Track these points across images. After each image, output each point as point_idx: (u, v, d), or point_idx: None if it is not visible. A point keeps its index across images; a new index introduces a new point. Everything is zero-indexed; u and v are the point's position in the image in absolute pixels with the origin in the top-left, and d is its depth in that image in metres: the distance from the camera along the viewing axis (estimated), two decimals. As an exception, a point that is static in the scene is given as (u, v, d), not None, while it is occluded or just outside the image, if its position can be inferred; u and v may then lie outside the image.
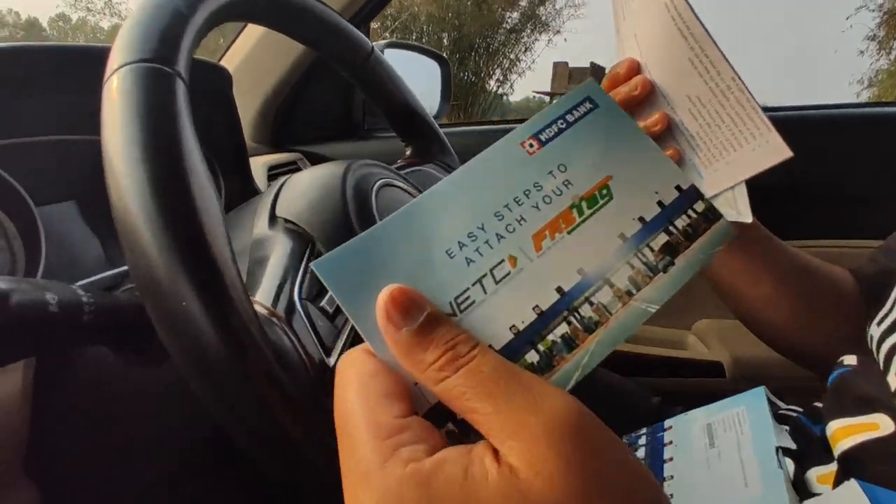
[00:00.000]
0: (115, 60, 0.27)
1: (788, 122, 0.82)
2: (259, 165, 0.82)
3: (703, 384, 0.81)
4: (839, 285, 0.51)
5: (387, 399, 0.17)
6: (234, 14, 0.37)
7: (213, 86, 0.61)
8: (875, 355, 0.40)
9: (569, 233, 0.21)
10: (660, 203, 0.23)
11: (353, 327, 0.33)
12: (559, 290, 0.20)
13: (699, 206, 0.23)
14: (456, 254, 0.20)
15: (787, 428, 0.46)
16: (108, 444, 0.44)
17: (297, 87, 0.89)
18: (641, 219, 0.22)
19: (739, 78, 0.40)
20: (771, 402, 0.54)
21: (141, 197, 0.23)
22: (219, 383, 0.24)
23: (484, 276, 0.20)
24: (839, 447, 0.37)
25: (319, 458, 0.25)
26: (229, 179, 0.68)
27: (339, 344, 0.32)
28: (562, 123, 0.23)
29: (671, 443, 0.53)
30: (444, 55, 1.16)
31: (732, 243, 0.50)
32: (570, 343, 0.20)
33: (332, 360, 0.30)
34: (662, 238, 0.22)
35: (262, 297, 0.32)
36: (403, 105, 0.59)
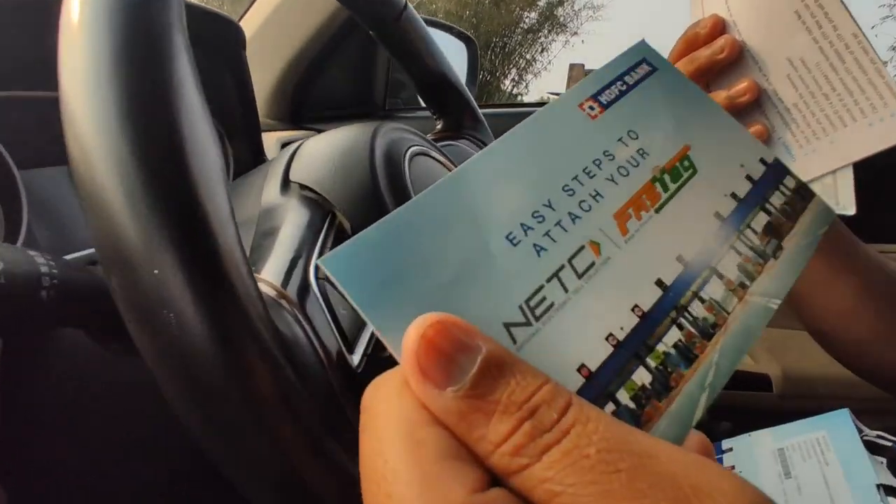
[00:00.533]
0: None
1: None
2: (272, 140, 0.76)
3: (748, 398, 0.74)
4: None
5: (451, 463, 0.11)
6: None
7: (222, 41, 0.54)
8: None
9: (656, 211, 0.17)
10: (748, 178, 0.19)
11: None
12: (660, 283, 0.16)
13: (790, 183, 0.20)
14: (520, 240, 0.15)
15: (884, 460, 0.39)
16: (87, 444, 0.37)
17: (317, 62, 0.83)
18: (734, 195, 0.18)
19: (863, 33, 0.33)
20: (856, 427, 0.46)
21: (105, 127, 0.17)
22: (202, 388, 0.17)
23: (562, 268, 0.15)
24: None
25: (333, 491, 0.19)
26: (237, 146, 0.62)
27: (365, 337, 0.25)
28: (621, 85, 0.19)
29: (733, 467, 0.46)
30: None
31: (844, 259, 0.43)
32: (686, 354, 0.15)
33: (355, 359, 0.23)
34: (762, 218, 0.18)
35: (270, 275, 0.25)
36: (436, 72, 0.52)
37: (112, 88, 0.17)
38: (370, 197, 0.31)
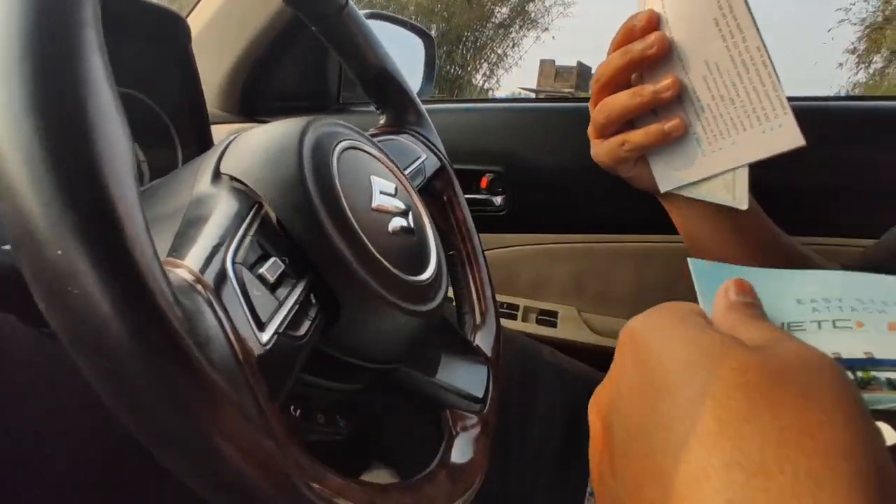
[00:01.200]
0: None
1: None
2: (223, 132, 0.76)
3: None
4: None
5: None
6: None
7: (167, 35, 0.55)
8: None
9: None
10: None
11: (295, 302, 0.28)
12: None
13: None
14: (806, 303, 0.22)
15: None
16: (18, 428, 0.38)
17: (269, 54, 0.83)
18: None
19: (765, 48, 0.36)
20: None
21: (8, 108, 0.18)
22: (108, 360, 0.19)
23: (825, 320, 0.22)
24: None
25: (239, 453, 0.21)
26: (187, 141, 0.62)
27: (278, 318, 0.27)
28: None
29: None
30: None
31: (734, 230, 0.46)
32: (892, 384, 0.21)
33: (265, 336, 0.25)
34: None
35: (192, 262, 0.26)
36: (378, 68, 0.54)
37: (20, 82, 0.18)
38: (296, 188, 0.33)
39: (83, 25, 0.20)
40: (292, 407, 0.34)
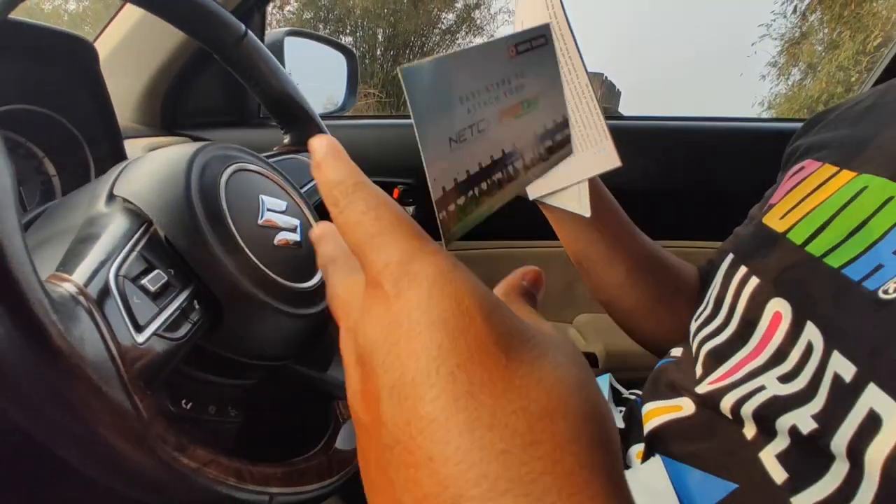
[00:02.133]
0: None
1: (675, 132, 0.89)
2: (140, 148, 0.79)
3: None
4: (684, 280, 0.56)
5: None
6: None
7: (74, 58, 0.58)
8: (690, 347, 0.44)
9: (515, 118, 0.33)
10: (555, 122, 0.39)
11: (176, 308, 0.33)
12: (503, 151, 0.32)
13: (564, 133, 0.40)
14: (465, 102, 0.28)
15: (622, 410, 0.50)
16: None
17: (188, 69, 0.86)
18: (544, 126, 0.37)
19: (589, 82, 0.43)
20: (615, 389, 0.58)
21: None
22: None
23: (473, 124, 0.28)
24: (648, 426, 0.41)
25: (112, 432, 0.25)
26: (100, 158, 0.65)
27: (157, 322, 0.31)
28: (530, 45, 0.35)
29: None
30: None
31: (594, 226, 0.53)
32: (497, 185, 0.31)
33: (141, 337, 0.30)
34: (548, 143, 0.38)
35: (78, 276, 0.31)
36: (280, 92, 0.58)
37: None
38: (182, 208, 0.37)
39: None
40: (184, 400, 0.39)
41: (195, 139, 0.89)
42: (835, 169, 0.38)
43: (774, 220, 0.40)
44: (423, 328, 0.16)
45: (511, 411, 0.15)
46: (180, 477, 0.28)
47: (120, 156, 0.67)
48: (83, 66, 0.59)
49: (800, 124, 0.54)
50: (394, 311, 0.17)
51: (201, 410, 0.39)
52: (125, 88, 0.83)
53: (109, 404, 0.25)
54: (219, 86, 0.93)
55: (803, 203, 0.39)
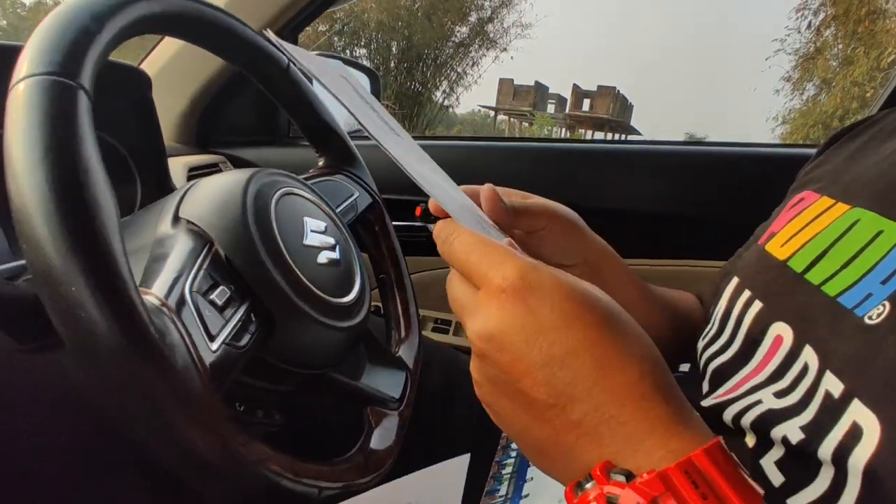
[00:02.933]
0: (22, 69, 0.30)
1: (686, 156, 0.93)
2: (180, 166, 0.84)
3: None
4: (688, 318, 0.58)
5: None
6: (144, 28, 0.40)
7: (130, 88, 0.63)
8: (698, 363, 0.48)
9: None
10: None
11: (238, 320, 0.37)
12: None
13: None
14: None
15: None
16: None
17: (224, 91, 0.91)
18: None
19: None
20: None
21: (39, 192, 0.27)
22: (105, 364, 0.27)
23: None
24: None
25: (194, 428, 0.29)
26: (146, 178, 0.70)
27: (224, 333, 0.35)
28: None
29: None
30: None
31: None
32: None
33: (214, 346, 0.34)
34: None
35: (157, 290, 0.35)
36: (316, 119, 0.63)
37: (42, 176, 0.27)
38: (240, 231, 0.41)
39: (79, 130, 0.29)
40: (237, 403, 0.43)
41: (228, 157, 0.94)
42: (831, 202, 0.42)
43: (776, 248, 0.44)
44: (558, 321, 0.25)
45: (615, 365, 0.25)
46: (246, 469, 0.32)
47: (164, 175, 0.73)
48: (137, 94, 0.64)
49: (804, 150, 0.57)
50: (522, 309, 0.26)
51: (251, 413, 0.43)
52: (166, 109, 0.88)
53: (193, 407, 0.29)
54: (250, 106, 0.99)
55: (802, 232, 0.42)
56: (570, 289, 0.26)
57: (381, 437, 0.49)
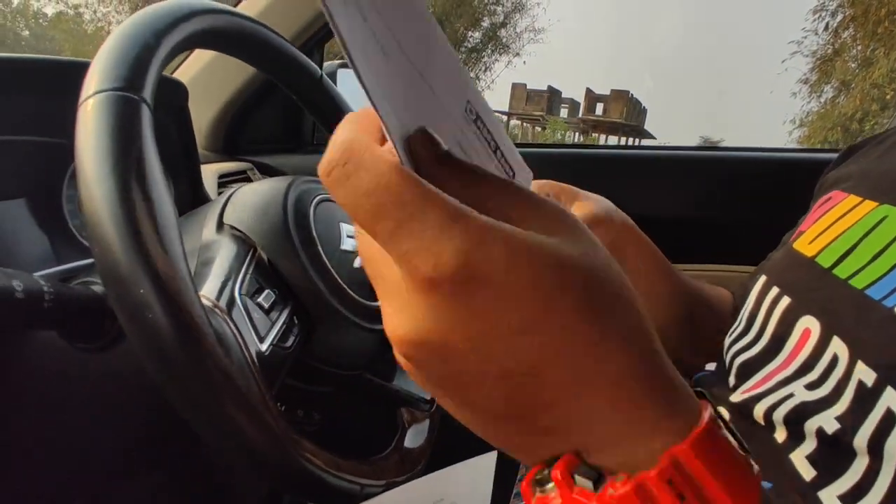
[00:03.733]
0: (90, 86, 0.32)
1: (705, 161, 0.94)
2: (210, 173, 0.86)
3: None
4: (718, 303, 0.60)
5: None
6: (194, 44, 0.42)
7: (169, 99, 0.65)
8: (724, 359, 0.48)
9: None
10: None
11: (283, 322, 0.39)
12: None
13: None
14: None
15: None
16: (53, 430, 0.47)
17: (251, 101, 0.94)
18: None
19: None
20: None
21: (109, 203, 0.29)
22: (169, 360, 0.29)
23: None
24: None
25: (249, 423, 0.31)
26: (180, 185, 0.72)
27: (272, 333, 0.37)
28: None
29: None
30: None
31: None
32: None
33: (264, 346, 0.36)
34: None
35: (208, 292, 0.37)
36: (348, 127, 0.65)
37: (110, 187, 0.29)
38: (282, 236, 0.43)
39: (144, 142, 0.31)
40: (279, 404, 0.44)
41: (256, 164, 0.96)
42: (858, 199, 0.42)
43: (804, 245, 0.45)
44: (518, 322, 0.18)
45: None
46: (295, 462, 0.34)
47: (198, 188, 0.75)
48: (175, 107, 0.66)
49: (827, 155, 0.58)
50: (466, 309, 0.18)
51: (292, 413, 0.45)
52: (197, 117, 0.91)
53: (249, 402, 0.31)
54: (276, 114, 1.01)
55: (830, 229, 0.43)
56: (538, 265, 0.18)
57: (415, 436, 0.50)
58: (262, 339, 0.36)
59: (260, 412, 0.31)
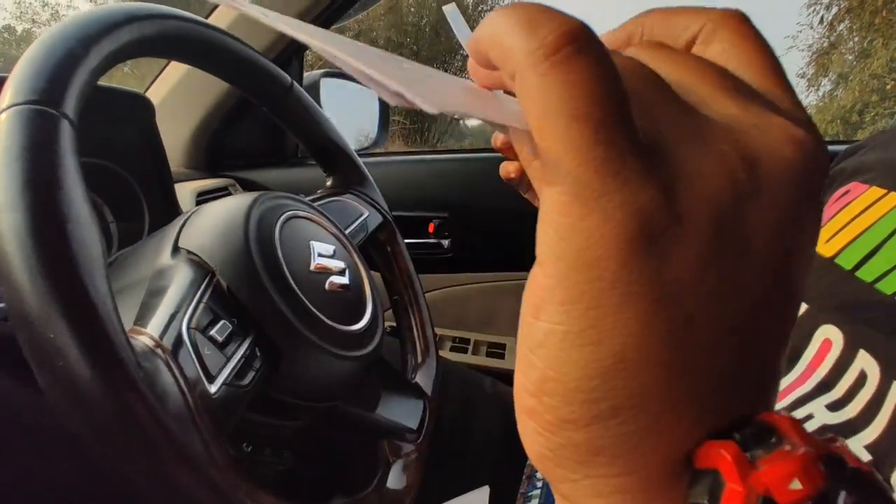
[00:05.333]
0: (3, 100, 0.29)
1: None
2: (188, 191, 0.83)
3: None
4: None
5: None
6: (135, 52, 0.38)
7: (134, 114, 0.62)
8: None
9: None
10: None
11: (241, 357, 0.35)
12: None
13: None
14: None
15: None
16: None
17: (231, 114, 0.90)
18: None
19: None
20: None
21: (15, 231, 0.25)
22: (89, 414, 0.25)
23: None
24: None
25: (189, 477, 0.27)
26: (154, 205, 0.69)
27: (225, 372, 0.33)
28: None
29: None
30: None
31: None
32: None
33: (213, 388, 0.31)
34: None
35: (153, 329, 0.33)
36: (323, 138, 0.61)
37: (22, 214, 0.25)
38: (242, 259, 0.39)
39: (63, 160, 0.27)
40: (244, 444, 0.40)
41: (238, 180, 0.93)
42: (882, 191, 0.38)
43: (821, 244, 0.40)
44: None
45: None
46: (250, 522, 0.29)
47: (171, 202, 0.71)
48: (142, 121, 0.63)
49: (835, 146, 0.54)
50: None
51: (259, 453, 0.41)
52: (173, 135, 0.88)
53: (188, 456, 0.27)
54: (258, 128, 0.98)
55: (850, 226, 0.38)
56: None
57: (398, 475, 0.46)
58: (211, 379, 0.32)
59: (201, 465, 0.27)
